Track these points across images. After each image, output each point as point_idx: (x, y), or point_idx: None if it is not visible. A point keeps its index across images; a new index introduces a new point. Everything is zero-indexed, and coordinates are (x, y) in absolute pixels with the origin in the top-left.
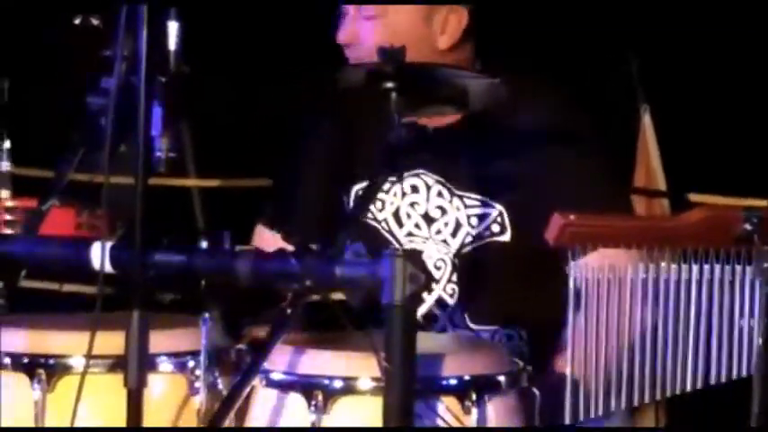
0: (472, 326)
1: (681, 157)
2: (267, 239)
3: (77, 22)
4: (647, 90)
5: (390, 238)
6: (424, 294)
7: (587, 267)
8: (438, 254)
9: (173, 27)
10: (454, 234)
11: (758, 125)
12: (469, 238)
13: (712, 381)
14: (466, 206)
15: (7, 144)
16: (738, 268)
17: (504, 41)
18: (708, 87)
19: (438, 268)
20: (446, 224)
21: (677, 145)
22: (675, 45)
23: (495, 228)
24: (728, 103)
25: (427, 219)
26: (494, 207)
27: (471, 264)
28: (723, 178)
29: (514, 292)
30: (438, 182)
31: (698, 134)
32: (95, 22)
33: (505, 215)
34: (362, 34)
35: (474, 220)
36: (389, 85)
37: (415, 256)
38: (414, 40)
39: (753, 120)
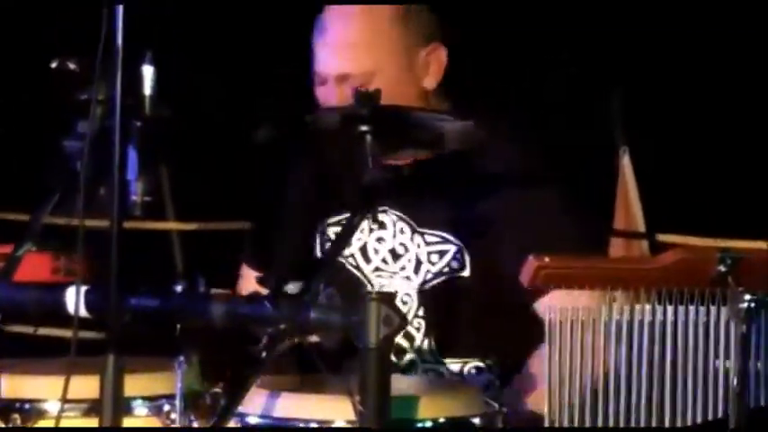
0: (441, 359)
1: (657, 198)
2: (250, 279)
3: (54, 65)
4: (627, 132)
5: (358, 274)
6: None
7: (557, 309)
8: (405, 288)
9: (148, 71)
10: (416, 271)
11: (736, 168)
12: (430, 275)
13: (688, 422)
14: (426, 243)
15: None
16: (713, 309)
17: (476, 81)
18: (687, 129)
19: (405, 303)
20: (409, 260)
21: (656, 186)
22: (654, 87)
23: (455, 264)
24: (708, 144)
25: (393, 254)
26: (453, 244)
27: (435, 298)
28: (699, 219)
29: (479, 325)
30: (400, 219)
31: (677, 175)
32: (72, 66)
33: (465, 252)
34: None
35: (434, 257)
36: (364, 128)
37: (388, 299)
38: (401, 89)
39: (731, 162)
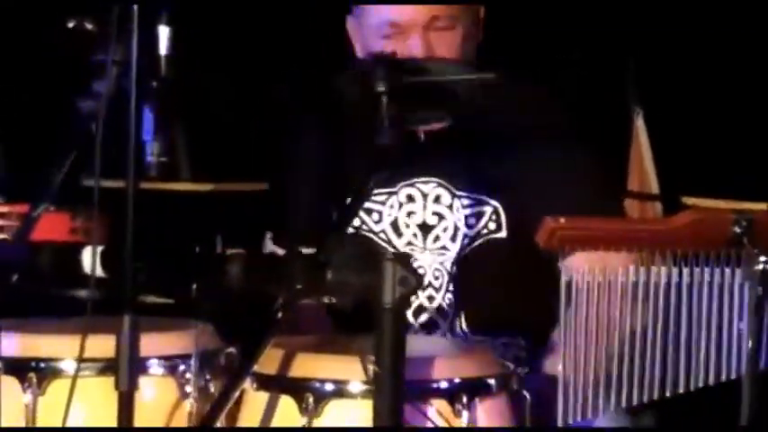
0: (468, 334)
1: (673, 160)
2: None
3: (71, 25)
4: (641, 94)
5: (385, 244)
6: (426, 303)
7: (578, 269)
8: (435, 264)
9: (164, 31)
10: (453, 238)
11: (750, 130)
12: (467, 240)
13: (702, 382)
14: (463, 206)
15: None
16: (728, 271)
17: (497, 42)
18: (700, 91)
19: (436, 278)
20: (445, 229)
21: (670, 148)
22: (668, 49)
23: (492, 225)
24: (721, 107)
25: (424, 228)
26: (489, 204)
27: (470, 267)
28: (715, 181)
29: (512, 295)
30: (439, 185)
31: (691, 137)
32: (89, 26)
33: (501, 212)
34: (439, 48)
35: (471, 220)
36: (381, 88)
37: (404, 259)
38: (470, 44)
39: (745, 124)
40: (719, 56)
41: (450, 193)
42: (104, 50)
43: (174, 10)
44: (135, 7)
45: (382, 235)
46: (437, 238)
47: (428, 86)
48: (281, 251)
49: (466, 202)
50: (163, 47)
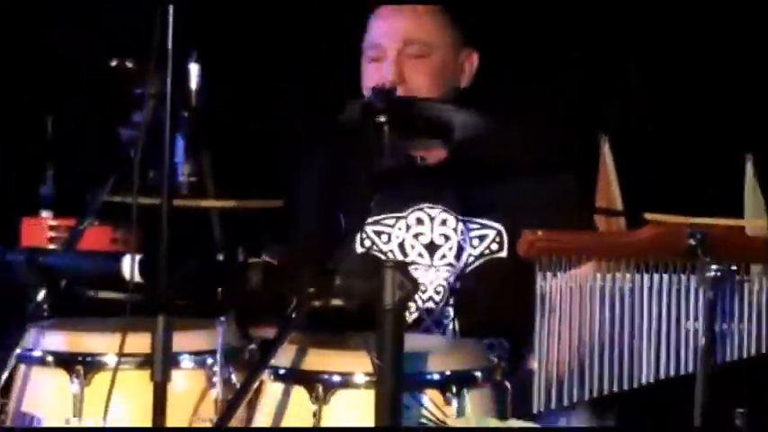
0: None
1: (636, 181)
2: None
3: (114, 64)
4: (606, 125)
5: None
6: (425, 315)
7: (547, 277)
8: (438, 280)
9: (194, 68)
10: (458, 257)
11: (703, 156)
12: (471, 258)
13: (661, 376)
14: (469, 230)
15: (50, 172)
16: (684, 277)
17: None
18: (659, 122)
19: (438, 292)
20: (450, 248)
21: (632, 170)
22: (629, 91)
23: (494, 246)
24: (677, 134)
25: (431, 248)
26: (492, 229)
27: (470, 282)
28: (672, 200)
29: (504, 306)
30: (444, 211)
31: (651, 161)
32: (129, 64)
33: (504, 234)
34: (410, 72)
35: (476, 242)
36: (381, 119)
37: (402, 267)
38: (447, 77)
39: (698, 151)
40: (675, 93)
41: (455, 218)
42: (142, 85)
43: (203, 50)
44: (169, 48)
45: (390, 254)
46: (443, 257)
47: (425, 120)
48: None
49: (471, 226)
50: (193, 82)
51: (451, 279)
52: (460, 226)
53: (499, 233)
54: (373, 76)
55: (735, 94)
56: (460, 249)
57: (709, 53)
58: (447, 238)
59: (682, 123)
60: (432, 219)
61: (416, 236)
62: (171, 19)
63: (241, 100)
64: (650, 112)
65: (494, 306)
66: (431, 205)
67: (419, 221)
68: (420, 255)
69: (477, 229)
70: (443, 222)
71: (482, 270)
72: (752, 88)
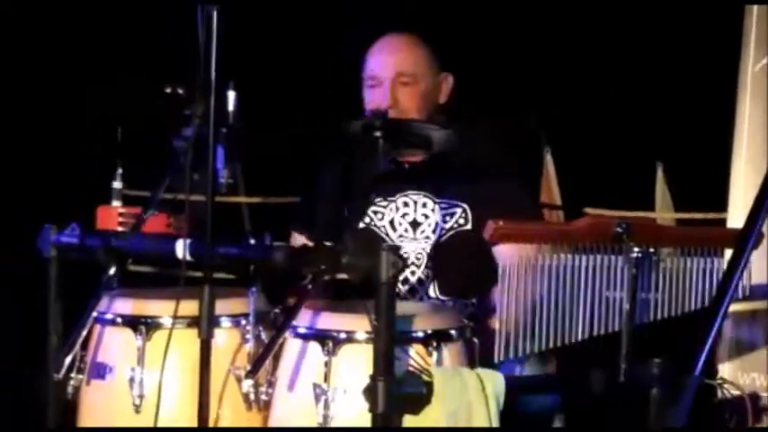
0: (441, 297)
1: (573, 182)
2: (298, 240)
3: (168, 90)
4: (548, 138)
5: (387, 239)
6: (409, 276)
7: (508, 258)
8: (419, 249)
9: (231, 95)
10: (434, 231)
11: (625, 161)
12: (444, 231)
13: (594, 333)
14: (442, 209)
15: (120, 170)
16: (612, 258)
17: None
18: (589, 135)
19: (418, 258)
20: (429, 225)
21: (570, 173)
22: (570, 106)
23: (461, 221)
24: (606, 145)
25: (414, 225)
26: (460, 206)
27: (444, 249)
28: (603, 197)
29: (471, 271)
30: (425, 196)
31: (585, 166)
32: (180, 90)
33: (468, 211)
34: (401, 97)
35: (447, 218)
36: (377, 134)
37: (395, 249)
38: (430, 99)
39: (623, 159)
40: (600, 115)
41: (432, 200)
42: (191, 107)
43: (238, 80)
44: (212, 78)
45: (383, 229)
46: (423, 231)
47: (408, 135)
48: (301, 239)
49: (443, 206)
50: (230, 105)
51: (428, 248)
52: (437, 207)
53: (465, 210)
54: (373, 99)
55: (649, 114)
56: (437, 225)
57: (631, 82)
58: (426, 216)
59: (608, 138)
60: (415, 202)
61: (403, 215)
62: (214, 55)
63: (267, 120)
64: (584, 128)
65: (461, 268)
66: (414, 192)
67: (405, 204)
68: (406, 230)
69: (447, 207)
70: (424, 205)
71: (452, 240)
72: (662, 110)
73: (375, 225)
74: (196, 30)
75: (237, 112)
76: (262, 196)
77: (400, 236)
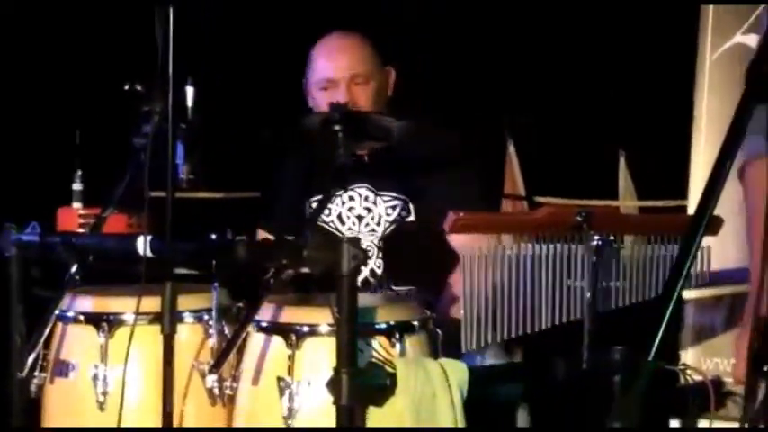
0: (394, 287)
1: (535, 173)
2: (262, 235)
3: (126, 87)
4: (512, 131)
5: (336, 233)
6: (363, 267)
7: (469, 247)
8: (367, 242)
9: (189, 90)
10: (378, 223)
11: (587, 151)
12: (387, 223)
13: (557, 322)
14: (384, 201)
15: (80, 172)
16: (573, 246)
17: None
18: (551, 129)
19: (368, 250)
20: (372, 218)
21: (532, 165)
22: (531, 105)
23: (404, 213)
24: (567, 139)
25: (359, 218)
26: (401, 200)
27: (392, 241)
28: (563, 187)
29: (418, 257)
30: (367, 189)
31: (547, 158)
32: (139, 87)
33: (410, 204)
34: (358, 97)
35: (389, 210)
36: (337, 127)
37: (355, 242)
38: (382, 94)
39: (585, 151)
40: (563, 103)
41: (374, 193)
42: (150, 104)
43: (196, 76)
44: (170, 74)
45: (331, 224)
46: (367, 224)
47: (368, 127)
48: (269, 236)
49: (386, 198)
50: (189, 101)
51: (376, 241)
52: (379, 199)
53: (406, 202)
54: (327, 100)
55: (611, 104)
56: (380, 217)
57: (593, 72)
58: (369, 210)
59: (570, 128)
60: (360, 196)
61: (350, 209)
62: (171, 50)
63: (226, 114)
64: (546, 119)
65: (411, 258)
66: (357, 185)
67: (351, 198)
68: (353, 223)
69: (389, 200)
70: (366, 198)
71: (397, 232)
72: (624, 99)
73: (323, 221)
74: (154, 26)
75: (196, 107)
76: (223, 192)
77: (349, 229)
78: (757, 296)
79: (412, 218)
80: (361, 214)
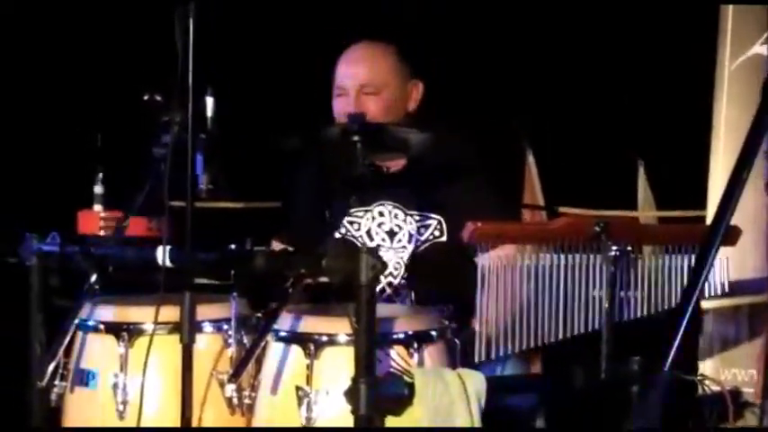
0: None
1: (554, 183)
2: (278, 246)
3: (146, 98)
4: (531, 141)
5: (357, 243)
6: (387, 288)
7: (489, 257)
8: (396, 258)
9: (209, 101)
10: (409, 241)
11: (606, 161)
12: (419, 242)
13: (574, 332)
14: (415, 221)
15: (101, 175)
16: (591, 256)
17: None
18: (569, 139)
19: (396, 269)
20: (404, 235)
21: (551, 175)
22: (552, 108)
23: (436, 233)
24: (585, 150)
25: (390, 234)
26: (434, 219)
27: (420, 261)
28: (582, 197)
29: (446, 279)
30: (395, 207)
31: (565, 168)
32: (158, 98)
33: (443, 223)
34: (367, 106)
35: (422, 230)
36: (355, 138)
37: (374, 252)
38: (397, 106)
39: (603, 157)
40: (581, 118)
41: (403, 212)
42: (169, 114)
43: (216, 86)
44: (190, 85)
45: (360, 239)
46: (399, 240)
47: (386, 138)
48: (284, 247)
49: (417, 217)
50: (209, 111)
51: (405, 258)
52: (409, 218)
53: (440, 222)
54: (340, 108)
55: (630, 115)
56: (411, 236)
57: (612, 82)
58: (400, 227)
59: (588, 139)
60: (390, 213)
61: (380, 225)
62: (191, 61)
63: (245, 124)
64: (566, 129)
65: (438, 278)
66: (385, 202)
67: (381, 214)
68: (383, 239)
69: (422, 219)
70: (395, 216)
71: (428, 251)
72: (643, 109)
73: (352, 235)
74: (174, 36)
75: (216, 118)
76: (243, 201)
77: (378, 245)
78: None
79: (444, 238)
80: (394, 230)
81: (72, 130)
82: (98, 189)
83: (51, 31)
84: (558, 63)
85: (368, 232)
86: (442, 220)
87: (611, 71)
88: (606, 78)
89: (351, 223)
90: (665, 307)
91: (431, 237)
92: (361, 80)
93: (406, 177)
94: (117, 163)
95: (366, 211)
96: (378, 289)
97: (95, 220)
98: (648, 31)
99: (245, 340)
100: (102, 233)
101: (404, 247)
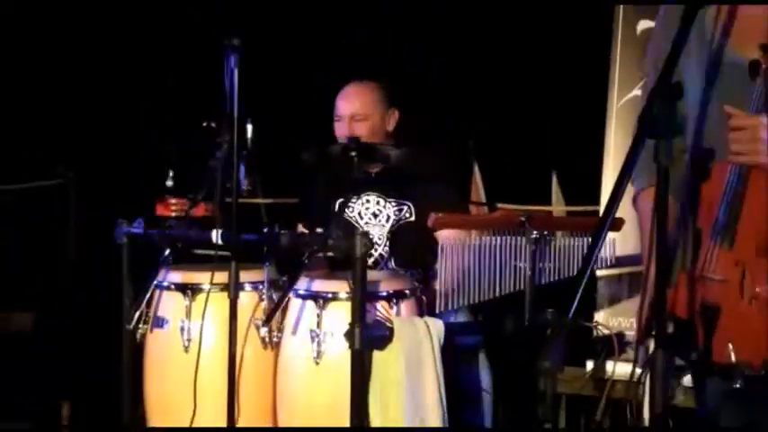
0: (396, 268)
1: (493, 185)
2: (300, 229)
3: (204, 124)
4: (476, 152)
5: (356, 225)
6: (373, 252)
7: (446, 236)
8: (379, 233)
9: (249, 127)
10: (387, 220)
11: (528, 173)
12: (394, 221)
13: (506, 291)
14: (392, 206)
15: (171, 173)
16: (518, 238)
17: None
18: (504, 154)
19: (379, 239)
20: (384, 216)
21: (491, 178)
22: (493, 130)
23: (407, 215)
24: (515, 161)
25: (374, 215)
26: (405, 204)
27: (397, 235)
28: (512, 196)
29: (415, 248)
30: (378, 196)
31: (503, 173)
32: (213, 124)
33: (412, 208)
34: (357, 130)
35: (397, 211)
36: (353, 153)
37: (366, 234)
38: (380, 129)
39: (526, 170)
40: (513, 135)
41: (384, 199)
42: (221, 136)
43: (254, 117)
44: (235, 115)
45: (353, 219)
46: (380, 220)
47: (374, 153)
48: (305, 230)
49: (393, 203)
50: (248, 134)
51: (386, 233)
52: (387, 203)
53: (410, 207)
54: (338, 129)
55: (549, 137)
56: (388, 216)
57: (537, 116)
58: (381, 211)
59: (518, 154)
60: (373, 201)
61: (367, 208)
62: (236, 97)
63: (275, 143)
64: (500, 148)
65: (411, 249)
66: (371, 192)
67: (367, 201)
68: (369, 219)
69: (396, 205)
70: (377, 203)
71: (402, 228)
72: (559, 135)
73: (348, 216)
74: (222, 75)
75: (254, 139)
76: (272, 198)
77: (366, 222)
78: (644, 287)
79: (412, 218)
80: (376, 212)
81: (154, 144)
82: (169, 183)
83: (143, 79)
84: (497, 95)
85: (359, 214)
86: (411, 205)
87: (537, 106)
88: (533, 111)
89: (347, 208)
90: (570, 274)
91: (404, 218)
92: (352, 110)
93: (384, 176)
94: (183, 172)
95: (357, 198)
96: (371, 262)
97: (168, 205)
98: (562, 73)
99: (275, 296)
100: (173, 215)
101: (383, 225)
